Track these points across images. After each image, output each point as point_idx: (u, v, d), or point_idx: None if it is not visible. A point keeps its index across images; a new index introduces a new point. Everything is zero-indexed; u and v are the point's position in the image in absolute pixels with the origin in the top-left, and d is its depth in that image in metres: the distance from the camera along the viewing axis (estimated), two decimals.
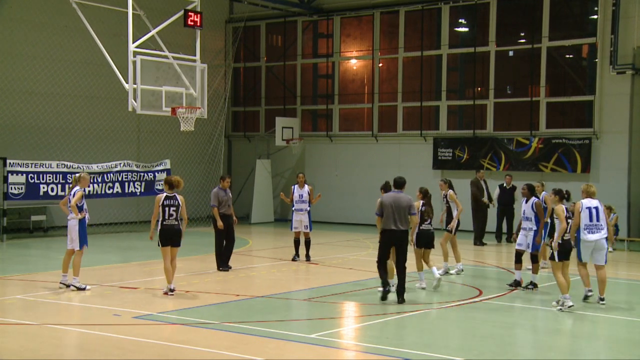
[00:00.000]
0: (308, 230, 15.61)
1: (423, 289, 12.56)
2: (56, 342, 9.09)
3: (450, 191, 14.39)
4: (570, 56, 22.74)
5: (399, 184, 11.82)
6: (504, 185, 19.75)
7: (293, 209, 15.82)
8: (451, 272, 14.21)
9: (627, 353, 9.19)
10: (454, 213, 14.22)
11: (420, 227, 12.56)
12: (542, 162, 21.17)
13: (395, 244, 11.55)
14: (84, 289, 12.11)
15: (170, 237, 11.88)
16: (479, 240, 19.26)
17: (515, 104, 22.86)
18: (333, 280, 13.71)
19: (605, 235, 11.50)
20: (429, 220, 12.74)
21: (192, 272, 14.43)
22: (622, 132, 20.49)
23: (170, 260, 11.93)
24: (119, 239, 19.92)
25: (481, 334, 9.93)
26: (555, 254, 11.16)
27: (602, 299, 11.51)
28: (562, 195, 11.35)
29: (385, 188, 12.61)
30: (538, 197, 12.79)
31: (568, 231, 11.21)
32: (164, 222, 11.87)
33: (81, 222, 12.16)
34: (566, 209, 11.24)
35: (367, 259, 16.12)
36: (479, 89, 23.07)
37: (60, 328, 9.74)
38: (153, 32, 16.45)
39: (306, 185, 15.77)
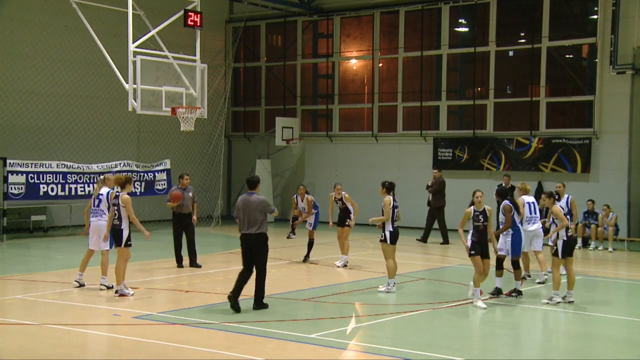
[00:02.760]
0: (311, 229, 15.65)
1: (484, 309, 11.13)
2: (56, 342, 9.09)
3: (345, 193, 15.30)
4: (570, 56, 22.74)
5: (251, 183, 11.03)
6: (503, 185, 19.73)
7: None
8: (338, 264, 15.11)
9: (627, 353, 9.20)
10: (351, 209, 15.25)
11: (394, 226, 12.38)
12: (542, 162, 21.18)
13: (251, 248, 10.83)
14: (111, 287, 12.16)
15: (113, 237, 11.94)
16: (422, 238, 19.70)
17: (515, 104, 22.86)
18: (333, 280, 13.72)
19: (541, 225, 13.02)
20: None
21: (191, 272, 14.43)
22: (622, 132, 20.50)
23: (123, 261, 11.90)
24: None
25: (481, 333, 9.93)
26: (560, 250, 11.43)
27: (546, 274, 13.09)
28: (554, 196, 11.94)
29: (389, 187, 12.55)
30: (510, 200, 12.17)
31: (570, 227, 11.69)
32: (114, 222, 11.87)
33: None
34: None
35: (367, 259, 16.13)
36: (479, 89, 23.07)
37: (60, 328, 9.75)
38: (153, 32, 16.46)
39: (306, 196, 15.73)
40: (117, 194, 11.90)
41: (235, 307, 10.57)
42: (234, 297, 10.60)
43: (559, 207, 11.72)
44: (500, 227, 12.18)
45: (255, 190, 10.97)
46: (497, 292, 11.98)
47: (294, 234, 15.95)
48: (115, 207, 11.82)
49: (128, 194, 11.87)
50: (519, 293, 11.91)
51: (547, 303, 11.41)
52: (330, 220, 15.54)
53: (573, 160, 20.78)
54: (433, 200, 19.83)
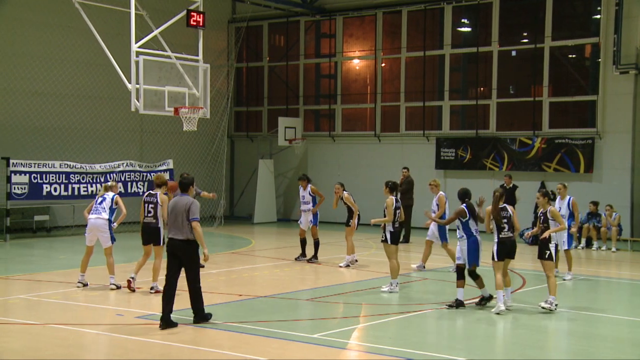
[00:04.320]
0: (312, 224, 15.62)
1: (498, 314, 10.76)
2: (59, 342, 9.10)
3: (345, 193, 15.22)
4: (573, 56, 22.71)
5: (182, 184, 10.03)
6: (504, 185, 19.77)
7: (300, 208, 16.02)
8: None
9: (629, 353, 9.19)
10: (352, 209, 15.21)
11: (395, 226, 12.41)
12: (545, 162, 21.15)
13: (176, 255, 9.76)
14: (119, 287, 12.32)
15: (146, 235, 12.04)
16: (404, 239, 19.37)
17: (518, 103, 22.84)
18: (336, 280, 13.72)
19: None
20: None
21: None
22: (625, 132, 20.46)
23: (146, 258, 12.15)
24: (122, 239, 19.86)
25: (484, 334, 9.92)
26: (554, 253, 11.18)
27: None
28: (550, 197, 11.51)
29: (392, 187, 12.61)
30: (467, 205, 11.28)
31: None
32: (144, 220, 12.09)
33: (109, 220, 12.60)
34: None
35: (370, 259, 16.13)
36: (482, 88, 23.05)
37: (63, 328, 9.76)
38: (156, 32, 16.47)
39: (309, 186, 15.81)
40: (152, 192, 12.09)
41: (171, 324, 9.67)
42: (164, 318, 9.63)
43: (556, 208, 11.48)
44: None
45: (188, 192, 9.96)
46: (458, 305, 11.13)
47: (304, 256, 15.87)
48: (152, 206, 11.94)
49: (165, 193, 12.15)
50: (489, 299, 11.18)
51: (549, 309, 10.89)
52: (334, 204, 15.78)
53: (576, 160, 20.76)
54: (401, 199, 19.63)
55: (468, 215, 11.16)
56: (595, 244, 18.87)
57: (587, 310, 11.28)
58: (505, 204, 11.18)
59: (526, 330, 10.19)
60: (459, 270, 11.28)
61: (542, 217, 11.30)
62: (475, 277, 11.22)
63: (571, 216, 14.27)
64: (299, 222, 16.03)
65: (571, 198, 14.51)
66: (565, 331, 10.42)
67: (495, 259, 11.01)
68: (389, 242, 12.37)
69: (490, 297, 11.22)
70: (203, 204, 23.49)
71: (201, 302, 9.95)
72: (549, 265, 11.11)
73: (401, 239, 19.28)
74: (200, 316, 9.93)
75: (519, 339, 9.88)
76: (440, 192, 14.76)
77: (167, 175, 21.64)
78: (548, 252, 11.10)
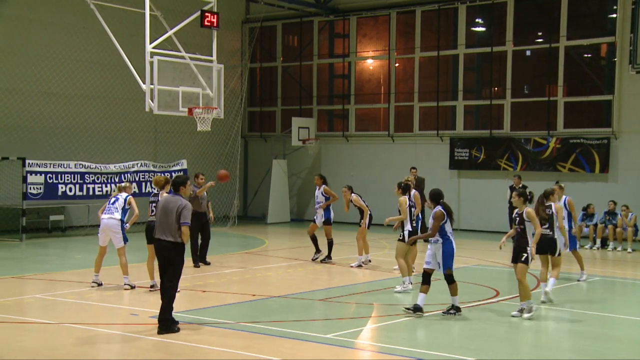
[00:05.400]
0: (324, 219, 15.62)
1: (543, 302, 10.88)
2: (74, 341, 9.16)
3: (354, 195, 15.24)
4: (589, 55, 22.57)
5: (174, 184, 9.77)
6: (513, 186, 19.67)
7: (315, 207, 16.09)
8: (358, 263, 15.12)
9: None
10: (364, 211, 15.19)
11: (413, 225, 12.40)
12: (560, 162, 21.03)
13: (163, 256, 9.54)
14: (133, 287, 12.39)
15: (150, 234, 11.97)
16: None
17: (532, 103, 22.72)
18: (349, 281, 13.72)
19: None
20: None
21: (208, 272, 14.48)
22: None
23: (153, 259, 12.09)
24: (136, 239, 19.96)
25: (497, 335, 9.88)
26: (530, 257, 10.59)
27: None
28: (527, 197, 10.70)
29: (405, 188, 12.65)
30: (444, 206, 10.65)
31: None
32: (149, 219, 12.12)
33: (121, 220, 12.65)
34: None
35: (383, 259, 16.11)
36: (496, 88, 22.96)
37: (78, 327, 9.82)
38: (170, 32, 16.52)
39: (322, 186, 15.83)
40: (155, 192, 12.18)
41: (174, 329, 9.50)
42: (170, 320, 9.49)
43: (532, 210, 10.62)
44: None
45: (180, 192, 9.70)
46: (415, 309, 10.45)
47: (320, 252, 15.84)
48: (155, 205, 11.97)
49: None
50: (458, 310, 10.59)
51: (520, 316, 10.45)
52: (346, 208, 15.68)
53: (591, 161, 20.62)
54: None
55: (445, 217, 10.56)
56: (610, 245, 18.75)
57: (602, 311, 11.20)
58: (551, 203, 11.92)
59: (539, 331, 10.15)
60: (426, 275, 10.57)
61: (517, 219, 10.65)
62: (451, 281, 10.61)
63: (569, 216, 13.87)
64: (314, 217, 16.03)
65: (567, 198, 13.84)
66: (579, 332, 10.35)
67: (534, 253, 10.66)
68: (406, 241, 12.37)
69: (459, 309, 10.57)
70: (217, 205, 23.57)
71: (169, 309, 9.44)
72: (522, 269, 10.49)
73: None
74: (166, 325, 9.36)
75: (532, 339, 9.83)
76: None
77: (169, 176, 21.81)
78: (525, 255, 10.54)
